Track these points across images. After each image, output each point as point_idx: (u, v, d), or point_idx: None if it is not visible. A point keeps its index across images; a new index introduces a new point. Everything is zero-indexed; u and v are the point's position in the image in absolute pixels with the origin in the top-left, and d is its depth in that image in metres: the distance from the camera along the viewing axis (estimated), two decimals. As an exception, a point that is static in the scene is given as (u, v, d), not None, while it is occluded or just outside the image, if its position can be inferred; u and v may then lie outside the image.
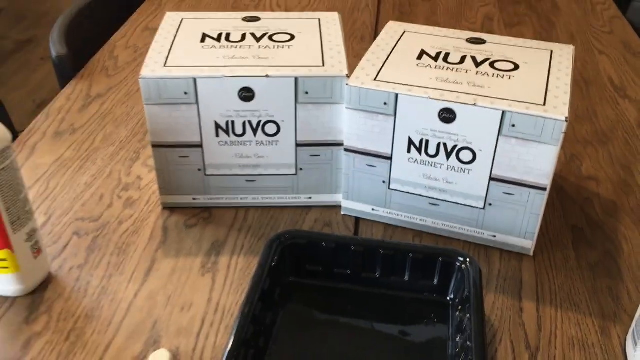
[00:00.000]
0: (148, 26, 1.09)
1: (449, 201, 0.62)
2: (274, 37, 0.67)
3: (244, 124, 0.63)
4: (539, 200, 0.59)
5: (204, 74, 0.60)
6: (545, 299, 0.58)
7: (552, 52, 0.64)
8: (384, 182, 0.63)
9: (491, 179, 0.59)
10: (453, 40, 0.67)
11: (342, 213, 0.68)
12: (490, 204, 0.61)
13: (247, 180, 0.66)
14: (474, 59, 0.63)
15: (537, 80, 0.59)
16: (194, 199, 0.68)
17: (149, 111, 0.62)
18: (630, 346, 0.52)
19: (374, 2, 1.18)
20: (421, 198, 0.63)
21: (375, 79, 0.60)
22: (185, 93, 0.61)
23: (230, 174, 0.66)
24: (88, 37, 1.06)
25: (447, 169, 0.60)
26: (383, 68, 0.61)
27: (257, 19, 0.71)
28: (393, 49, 0.65)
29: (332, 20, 0.71)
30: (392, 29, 0.69)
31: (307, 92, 0.61)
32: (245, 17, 0.71)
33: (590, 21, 1.13)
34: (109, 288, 0.59)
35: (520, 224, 0.61)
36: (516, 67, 0.61)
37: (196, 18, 0.71)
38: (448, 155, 0.59)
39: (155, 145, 0.64)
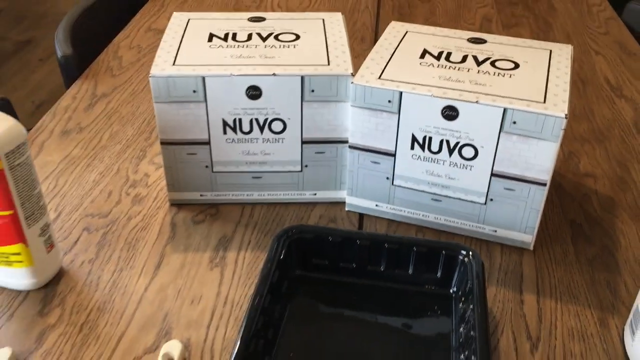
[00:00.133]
0: (151, 27, 1.11)
1: (451, 197, 0.64)
2: (280, 37, 0.68)
3: (251, 121, 0.64)
4: (539, 196, 0.60)
5: (213, 73, 0.61)
6: (545, 292, 0.60)
7: (551, 51, 0.66)
8: (387, 178, 0.65)
9: (492, 174, 0.61)
10: (454, 40, 0.68)
11: (347, 209, 0.69)
12: (491, 200, 0.62)
13: (254, 177, 0.68)
14: (475, 58, 0.64)
15: (537, 78, 0.61)
16: (201, 195, 0.69)
17: (158, 109, 0.63)
18: (628, 336, 0.53)
19: (374, 4, 1.20)
20: (424, 194, 0.65)
21: (379, 78, 0.61)
22: (194, 91, 0.62)
23: (237, 170, 0.67)
24: (91, 37, 1.07)
25: (450, 165, 0.62)
26: (387, 67, 0.63)
27: (262, 19, 0.72)
28: (396, 48, 0.66)
29: (335, 21, 0.72)
30: (394, 28, 0.71)
31: (313, 90, 0.63)
32: (251, 18, 0.72)
33: (586, 22, 1.15)
34: (120, 282, 0.60)
35: (520, 218, 0.62)
36: (516, 65, 0.63)
37: (203, 18, 0.72)
38: (451, 151, 0.61)
39: (164, 143, 0.65)
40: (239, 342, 0.49)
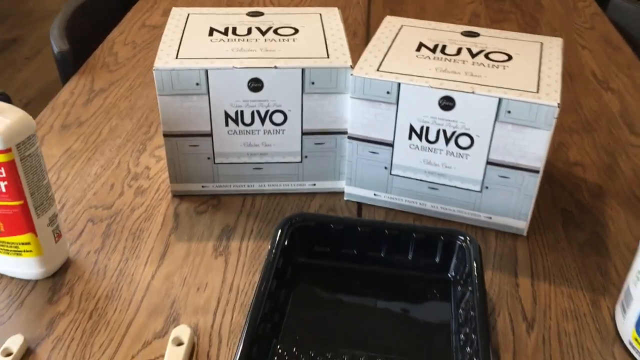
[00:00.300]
0: (145, 23, 1.12)
1: (447, 185, 0.66)
2: (279, 31, 0.70)
3: (252, 113, 0.66)
4: (533, 183, 0.63)
5: (215, 66, 0.63)
6: (539, 275, 0.62)
7: (542, 44, 0.68)
8: (385, 168, 0.67)
9: (488, 163, 0.63)
10: (448, 33, 0.70)
11: (345, 199, 0.71)
12: (486, 187, 0.65)
13: (255, 168, 0.69)
14: (469, 50, 0.67)
15: (530, 69, 0.63)
16: (203, 186, 0.70)
17: (161, 102, 0.64)
18: (620, 315, 0.56)
19: (365, 0, 1.22)
20: (421, 183, 0.67)
21: (378, 70, 0.63)
22: (197, 84, 0.64)
23: (238, 162, 0.69)
24: (85, 34, 1.08)
25: (446, 154, 0.64)
26: (385, 59, 0.65)
27: (260, 13, 0.74)
28: (393, 41, 0.68)
29: (332, 15, 0.74)
30: (390, 23, 0.73)
31: (313, 83, 0.64)
32: (250, 12, 0.74)
33: (572, 18, 1.17)
34: (127, 270, 0.61)
35: (514, 205, 0.65)
36: (509, 57, 0.65)
37: (202, 13, 0.74)
38: (447, 141, 0.63)
39: (166, 135, 0.67)
40: (247, 325, 0.51)
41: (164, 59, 0.64)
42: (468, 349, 0.51)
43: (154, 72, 0.63)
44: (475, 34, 0.70)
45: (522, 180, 0.63)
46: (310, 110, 0.66)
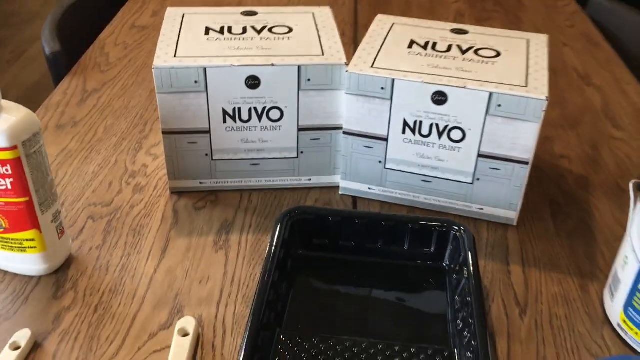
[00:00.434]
0: (134, 24, 1.12)
1: (440, 178, 0.68)
2: (274, 30, 0.71)
3: (250, 110, 0.67)
4: (523, 174, 0.65)
5: (214, 64, 0.64)
6: (530, 263, 0.64)
7: (528, 40, 0.71)
8: (380, 162, 0.69)
9: (479, 155, 0.65)
10: (438, 31, 0.73)
11: (340, 193, 0.73)
12: (478, 179, 0.67)
13: (252, 164, 0.71)
14: (459, 47, 0.69)
15: (518, 65, 0.66)
16: (200, 183, 0.72)
17: (160, 99, 0.66)
18: (608, 298, 0.58)
19: (351, 0, 1.24)
20: (414, 176, 0.69)
21: (372, 66, 0.65)
22: (196, 82, 0.65)
23: (235, 158, 0.70)
24: (74, 35, 1.09)
25: (439, 147, 0.66)
26: (378, 56, 0.67)
27: (254, 13, 0.75)
28: (385, 39, 0.70)
29: (325, 14, 0.76)
30: (381, 21, 0.75)
31: (309, 79, 0.66)
32: (244, 12, 0.75)
33: (553, 16, 1.21)
34: (129, 265, 0.62)
35: (505, 196, 0.67)
36: (498, 54, 0.68)
37: (197, 13, 0.75)
38: (440, 134, 0.65)
39: (165, 132, 0.68)
40: (253, 313, 0.52)
41: (163, 58, 0.65)
42: (465, 333, 0.53)
43: (153, 70, 0.64)
44: (464, 32, 0.72)
45: (513, 172, 0.65)
46: (306, 106, 0.68)
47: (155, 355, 0.54)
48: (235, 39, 0.69)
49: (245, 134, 0.69)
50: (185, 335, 0.54)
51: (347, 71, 0.64)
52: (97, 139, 0.81)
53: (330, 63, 0.65)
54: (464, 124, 0.64)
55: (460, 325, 0.55)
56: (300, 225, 0.63)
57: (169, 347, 0.54)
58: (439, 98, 0.63)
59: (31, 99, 1.82)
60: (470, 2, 1.25)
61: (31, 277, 0.61)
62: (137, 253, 0.64)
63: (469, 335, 0.52)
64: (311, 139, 0.70)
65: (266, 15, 0.75)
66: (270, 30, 0.71)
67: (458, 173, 0.67)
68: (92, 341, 0.55)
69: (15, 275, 0.61)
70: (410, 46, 0.69)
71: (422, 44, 0.69)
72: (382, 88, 0.64)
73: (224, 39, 0.69)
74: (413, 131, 0.66)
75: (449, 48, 0.69)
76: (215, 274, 0.62)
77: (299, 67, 0.65)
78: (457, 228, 0.61)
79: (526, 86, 0.62)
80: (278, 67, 0.65)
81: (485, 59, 0.67)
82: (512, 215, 0.68)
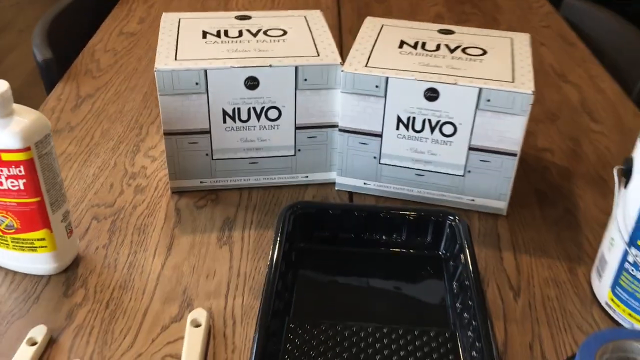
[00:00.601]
0: (122, 31, 1.14)
1: (433, 171, 0.71)
2: (269, 33, 0.74)
3: (248, 110, 0.70)
4: (511, 165, 0.68)
5: (214, 66, 0.67)
6: (520, 249, 0.68)
7: (512, 39, 0.75)
8: (374, 157, 0.72)
9: (470, 148, 0.68)
10: (426, 31, 0.76)
11: (337, 188, 0.75)
12: (469, 171, 0.70)
13: (251, 163, 0.73)
14: (447, 46, 0.72)
15: (504, 62, 0.69)
16: (201, 182, 0.74)
17: (162, 101, 0.68)
18: (595, 279, 0.62)
19: (334, 5, 1.27)
20: (408, 170, 0.72)
21: (366, 66, 0.68)
22: (197, 83, 0.67)
23: (235, 157, 0.73)
24: (61, 42, 1.10)
25: (432, 142, 0.69)
26: (371, 56, 0.70)
27: (248, 17, 0.78)
28: (376, 40, 0.73)
29: (316, 17, 0.78)
30: (371, 23, 0.78)
31: (306, 80, 0.69)
32: (238, 16, 0.78)
33: (529, 17, 1.25)
34: (136, 262, 0.64)
35: (495, 187, 0.70)
36: (484, 52, 0.71)
37: (192, 17, 0.77)
38: (432, 129, 0.68)
39: (166, 133, 0.70)
40: (262, 303, 0.54)
41: (164, 61, 0.67)
42: (465, 314, 0.56)
43: (155, 73, 0.66)
44: (450, 32, 0.76)
45: (501, 164, 0.69)
46: (303, 105, 0.70)
47: (169, 347, 0.56)
48: (232, 41, 0.71)
49: (244, 133, 0.71)
50: (198, 325, 0.56)
51: (342, 71, 0.67)
52: (94, 143, 0.83)
53: (326, 63, 0.68)
54: (455, 118, 0.67)
55: (460, 308, 0.58)
56: (302, 219, 0.65)
57: (181, 338, 0.56)
58: (431, 94, 0.66)
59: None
60: (449, 5, 1.29)
61: (41, 277, 0.62)
62: (143, 251, 0.66)
63: (468, 316, 0.55)
64: (308, 137, 0.73)
65: (260, 19, 0.77)
66: (265, 33, 0.74)
67: (450, 166, 0.70)
68: (107, 335, 0.56)
69: (25, 275, 0.62)
70: (400, 46, 0.72)
71: (412, 43, 0.73)
72: (377, 86, 0.67)
73: (222, 42, 0.71)
74: (406, 127, 0.69)
75: (438, 47, 0.72)
76: (221, 269, 0.64)
77: (296, 68, 0.68)
78: (452, 218, 0.64)
79: (513, 82, 0.65)
80: (276, 68, 0.68)
81: (473, 57, 0.70)
82: (502, 205, 0.71)
